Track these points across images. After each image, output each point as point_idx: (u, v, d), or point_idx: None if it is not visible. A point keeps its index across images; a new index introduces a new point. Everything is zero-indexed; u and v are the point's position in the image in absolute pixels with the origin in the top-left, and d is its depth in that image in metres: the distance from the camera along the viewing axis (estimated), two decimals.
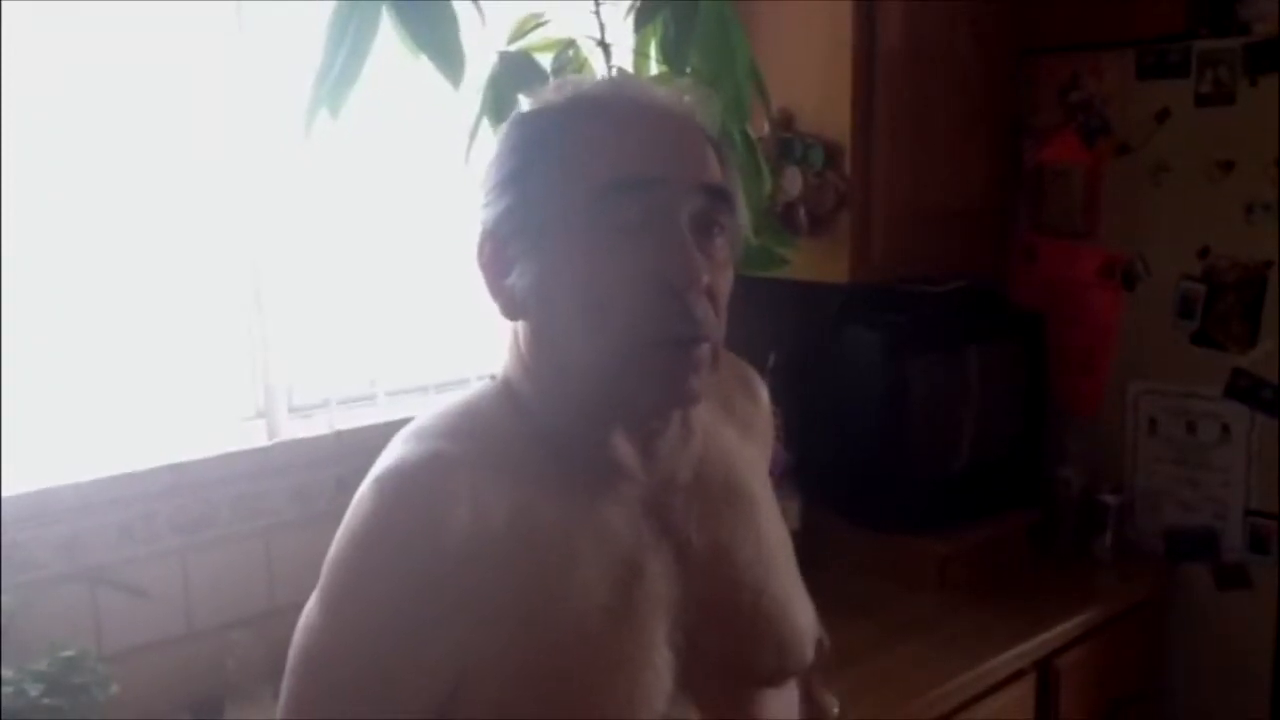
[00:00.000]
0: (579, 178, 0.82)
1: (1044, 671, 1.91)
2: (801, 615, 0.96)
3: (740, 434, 1.00)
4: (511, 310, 0.86)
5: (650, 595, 0.86)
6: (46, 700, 1.25)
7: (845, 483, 2.08)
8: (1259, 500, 2.09)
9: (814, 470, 2.06)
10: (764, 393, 1.08)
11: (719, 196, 0.84)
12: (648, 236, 0.81)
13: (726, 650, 0.89)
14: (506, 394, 0.89)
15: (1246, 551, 2.11)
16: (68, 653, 1.30)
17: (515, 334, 0.89)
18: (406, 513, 0.79)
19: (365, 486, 0.82)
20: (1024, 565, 2.15)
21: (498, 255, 0.85)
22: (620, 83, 0.90)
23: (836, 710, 1.14)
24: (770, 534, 0.97)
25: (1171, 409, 2.19)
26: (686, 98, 0.88)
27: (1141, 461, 2.24)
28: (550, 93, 0.88)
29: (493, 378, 0.93)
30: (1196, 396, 2.15)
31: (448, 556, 0.78)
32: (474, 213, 0.88)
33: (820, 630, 1.03)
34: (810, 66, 1.96)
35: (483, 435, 0.85)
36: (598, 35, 1.50)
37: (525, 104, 0.89)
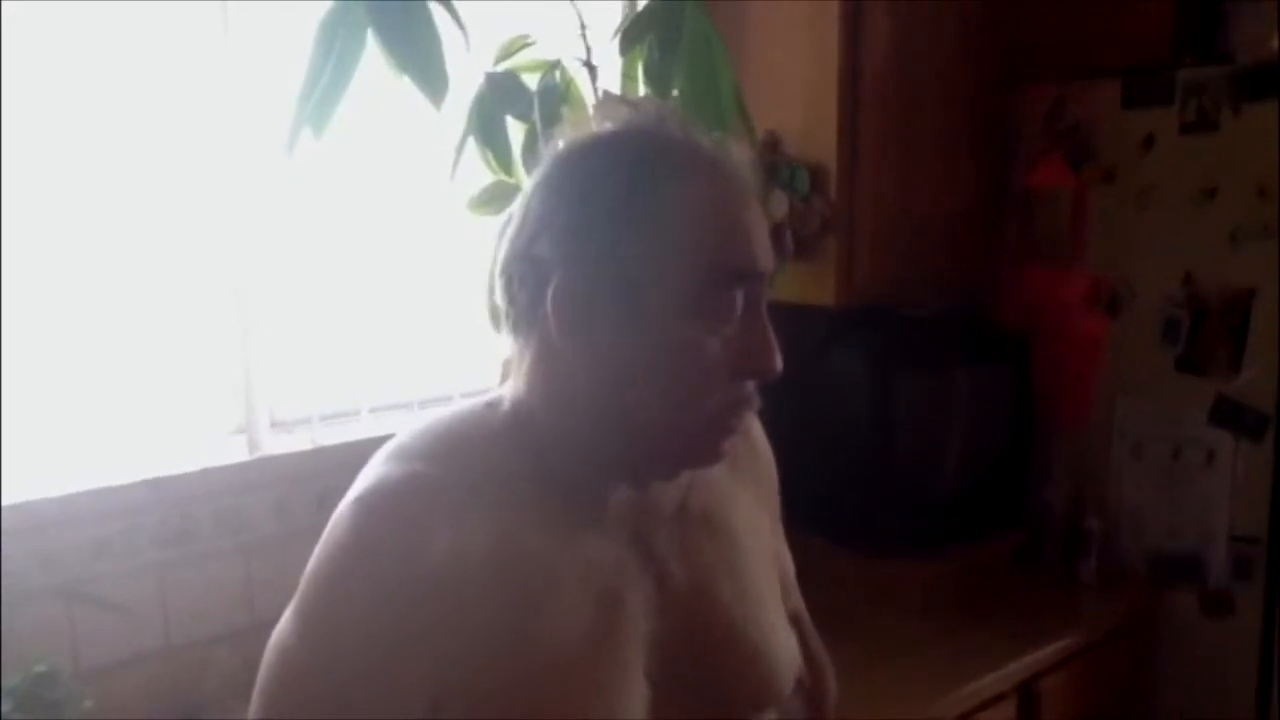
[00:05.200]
0: (687, 253, 0.80)
1: (1026, 695, 1.90)
2: (781, 653, 0.96)
3: (728, 472, 0.99)
4: (578, 356, 0.83)
5: (629, 626, 0.86)
6: (19, 716, 1.24)
7: (830, 505, 2.08)
8: (1243, 526, 2.09)
9: (799, 493, 2.04)
10: (757, 431, 1.07)
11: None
12: (741, 326, 0.82)
13: (702, 684, 0.89)
14: (513, 421, 0.87)
15: (1231, 577, 2.11)
16: (41, 668, 1.29)
17: (550, 370, 0.85)
18: (385, 536, 0.78)
19: (344, 507, 0.82)
20: (1008, 588, 2.15)
21: (577, 299, 0.82)
22: (695, 137, 0.85)
23: None
24: (752, 570, 0.97)
25: (1156, 434, 2.19)
26: (746, 160, 0.87)
27: (1126, 485, 2.24)
28: (611, 123, 0.85)
29: (489, 404, 0.90)
30: (1181, 422, 2.15)
31: (425, 583, 0.77)
32: (532, 238, 0.84)
33: (802, 669, 1.03)
34: (796, 91, 1.97)
35: (466, 457, 0.84)
36: (583, 57, 1.51)
37: (579, 130, 0.87)
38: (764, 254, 0.83)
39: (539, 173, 0.86)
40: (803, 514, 2.09)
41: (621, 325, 0.81)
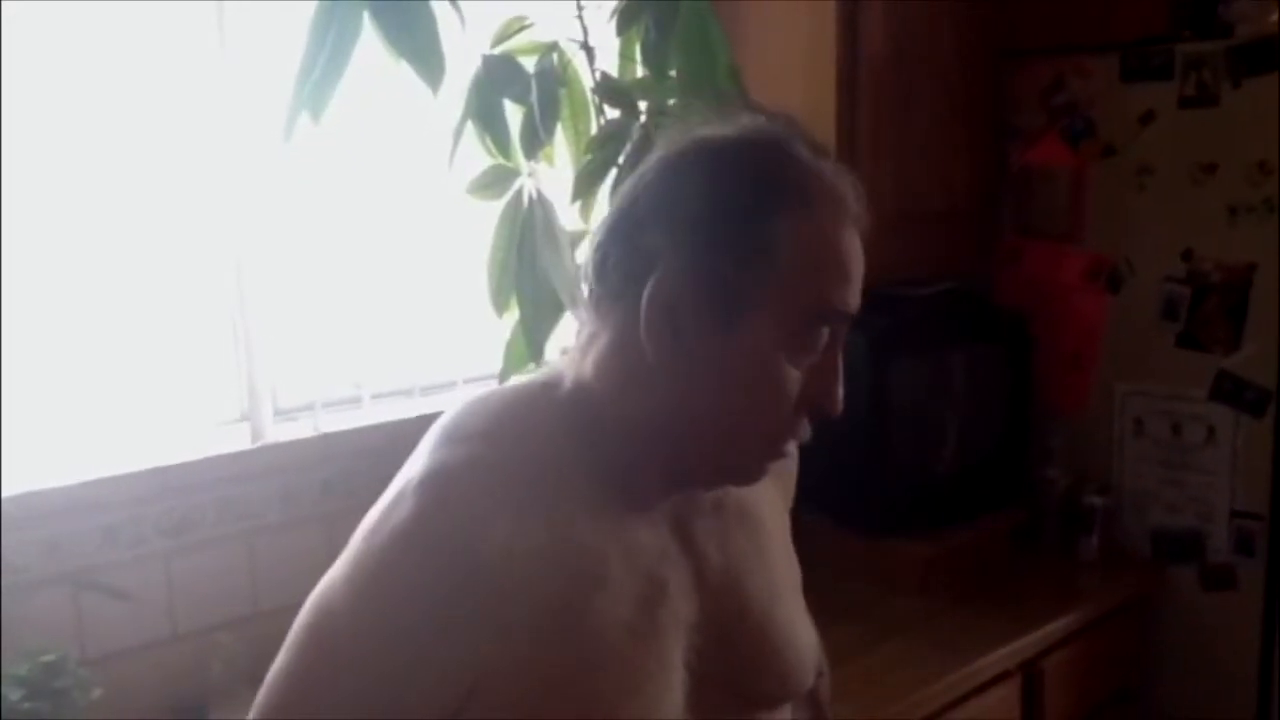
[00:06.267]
0: (796, 287, 0.80)
1: (1029, 673, 1.91)
2: (805, 645, 0.97)
3: None
4: (660, 356, 0.82)
5: (671, 614, 0.86)
6: (27, 704, 1.25)
7: (830, 486, 2.06)
8: (1244, 501, 2.09)
9: (799, 473, 2.05)
10: None
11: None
12: (819, 361, 0.83)
13: (732, 674, 0.90)
14: (570, 403, 0.86)
15: (1232, 553, 2.11)
16: (48, 657, 1.30)
17: (625, 362, 0.84)
18: (449, 520, 0.78)
19: (408, 487, 0.81)
20: (1009, 567, 2.15)
21: (675, 300, 0.81)
22: (817, 157, 0.83)
23: None
24: (779, 562, 0.98)
25: (1157, 410, 2.20)
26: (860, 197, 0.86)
27: (1127, 463, 2.24)
28: (740, 127, 0.84)
29: (545, 383, 0.89)
30: (1182, 398, 2.16)
31: (483, 573, 0.77)
32: (642, 224, 0.82)
33: (823, 660, 1.04)
34: (793, 70, 1.97)
35: (525, 440, 0.84)
36: (581, 38, 1.51)
37: (706, 125, 0.85)
38: (856, 296, 0.83)
39: (657, 159, 0.85)
40: (803, 494, 2.10)
41: (713, 336, 0.81)
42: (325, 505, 1.64)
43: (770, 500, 1.01)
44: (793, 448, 1.01)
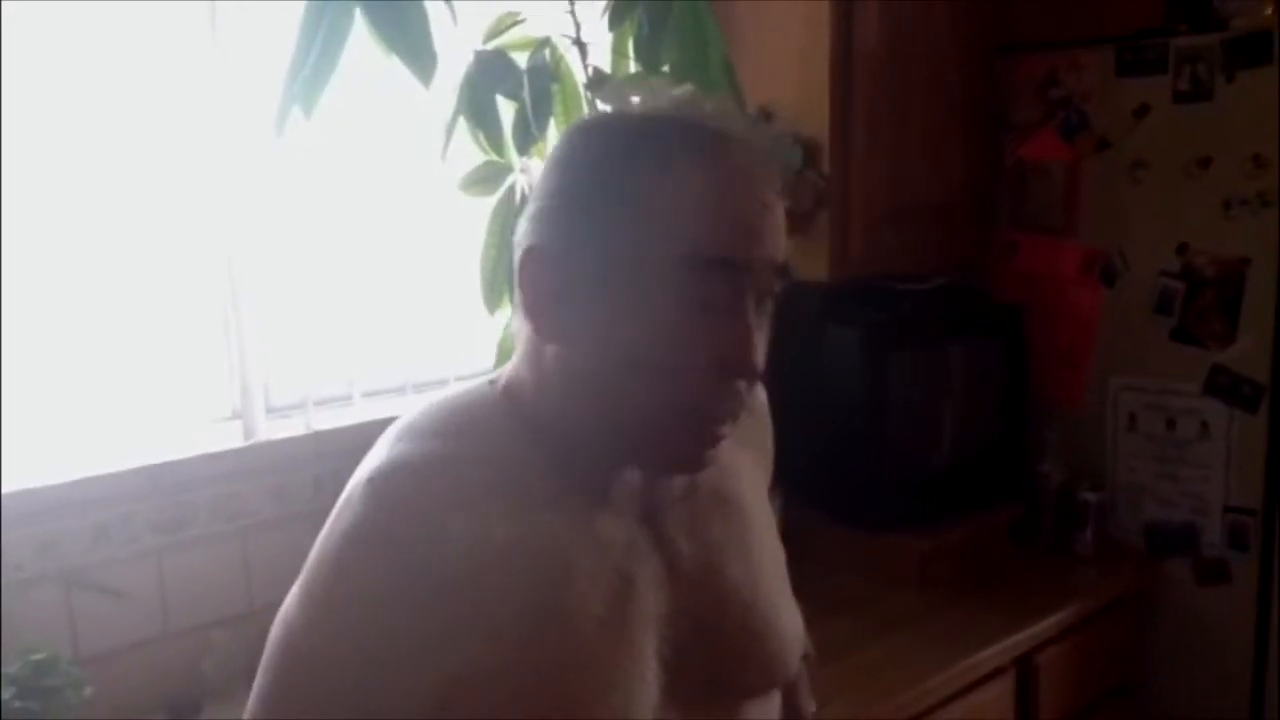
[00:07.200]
0: (667, 237, 0.77)
1: (1024, 668, 1.92)
2: (789, 628, 0.94)
3: (735, 444, 0.95)
4: (551, 335, 0.81)
5: (641, 608, 0.84)
6: (18, 703, 1.24)
7: (827, 480, 2.09)
8: (1238, 496, 2.09)
9: (795, 468, 2.04)
10: (762, 402, 1.05)
11: (782, 273, 0.82)
12: (720, 317, 0.78)
13: (712, 665, 0.88)
14: (509, 400, 0.85)
15: (1226, 547, 2.12)
16: (39, 655, 1.29)
17: (537, 349, 0.84)
18: (403, 515, 0.76)
19: (357, 485, 0.79)
20: (1005, 561, 2.15)
21: (546, 275, 0.80)
22: (712, 117, 0.81)
23: (814, 708, 1.14)
24: (762, 544, 0.96)
25: (1151, 405, 2.20)
26: (773, 144, 0.84)
27: (1122, 457, 2.25)
28: (632, 100, 0.82)
29: (491, 382, 0.89)
30: (1176, 393, 2.16)
31: (440, 573, 0.75)
32: (524, 213, 0.83)
33: (807, 642, 1.02)
34: (788, 65, 1.96)
35: (479, 437, 0.82)
36: (573, 34, 1.50)
37: (605, 104, 0.84)
38: (759, 245, 0.79)
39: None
40: (798, 489, 2.11)
41: (593, 308, 0.79)
42: (318, 502, 1.63)
43: (751, 481, 0.98)
44: (759, 394, 1.00)
